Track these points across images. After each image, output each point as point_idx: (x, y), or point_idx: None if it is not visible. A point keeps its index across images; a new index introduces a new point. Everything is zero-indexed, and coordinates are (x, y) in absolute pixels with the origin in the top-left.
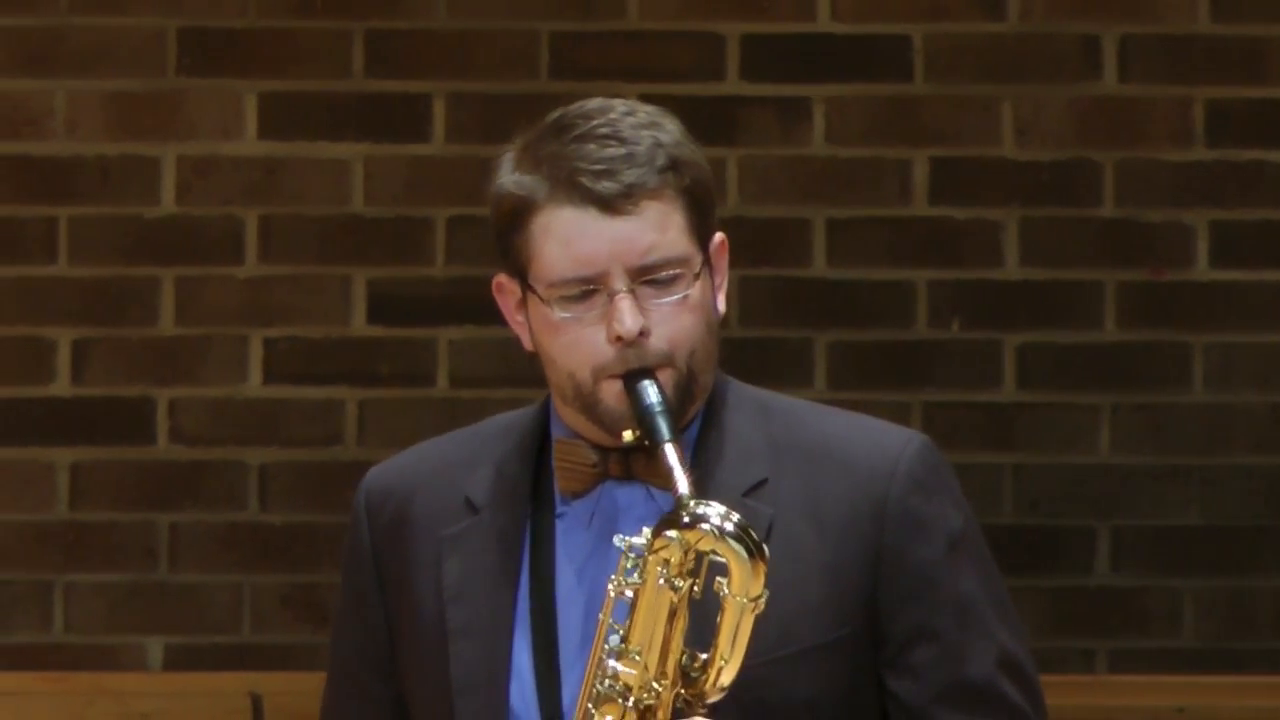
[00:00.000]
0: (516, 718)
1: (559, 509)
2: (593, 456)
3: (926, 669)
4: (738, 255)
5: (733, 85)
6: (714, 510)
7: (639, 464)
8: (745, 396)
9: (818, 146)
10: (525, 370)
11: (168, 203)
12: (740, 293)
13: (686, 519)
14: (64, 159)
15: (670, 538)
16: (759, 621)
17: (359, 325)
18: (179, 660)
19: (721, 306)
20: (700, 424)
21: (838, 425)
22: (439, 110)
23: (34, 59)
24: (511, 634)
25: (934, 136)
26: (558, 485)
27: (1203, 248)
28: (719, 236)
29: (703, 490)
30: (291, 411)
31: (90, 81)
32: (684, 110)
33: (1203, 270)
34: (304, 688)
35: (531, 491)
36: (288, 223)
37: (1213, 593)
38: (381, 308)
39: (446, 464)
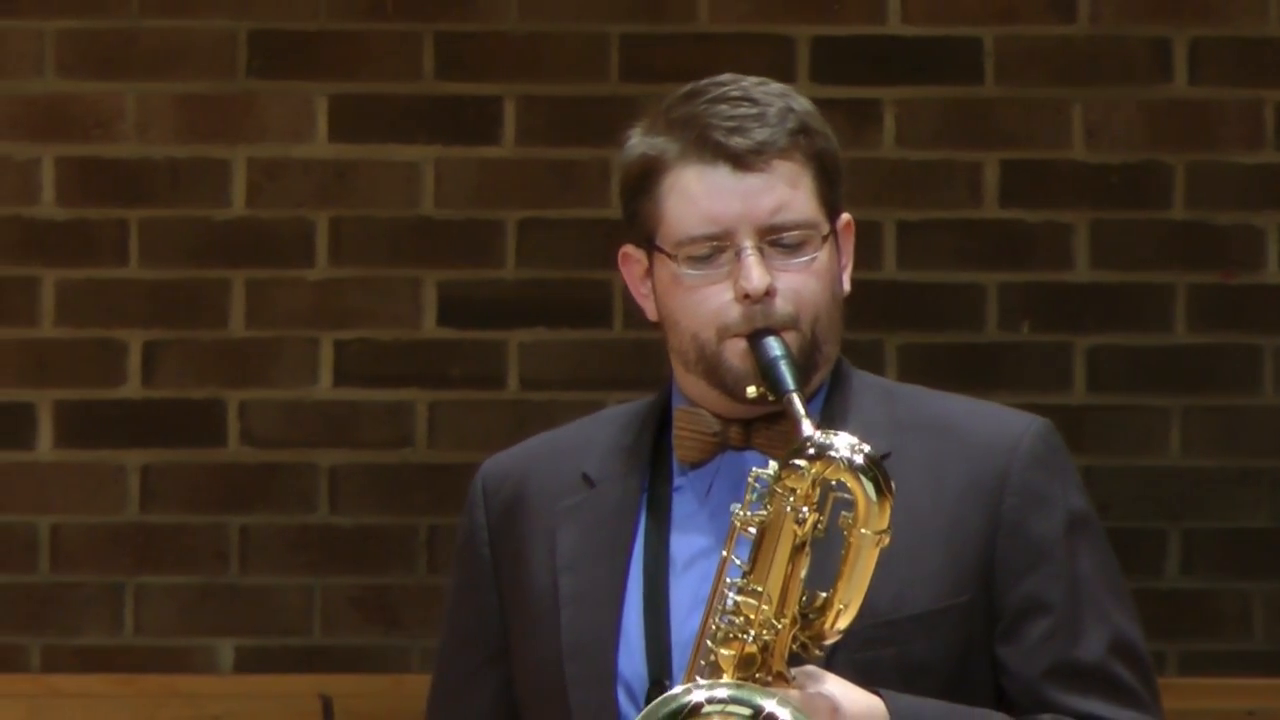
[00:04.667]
0: (625, 682)
1: (676, 481)
2: (714, 425)
3: (1038, 642)
4: None
5: (803, 87)
6: (843, 440)
7: (760, 434)
8: (869, 381)
9: (888, 149)
10: (595, 373)
11: (238, 205)
12: None
13: (814, 450)
14: (134, 161)
15: (797, 466)
16: (876, 584)
17: (429, 327)
18: (249, 662)
19: (846, 285)
20: (824, 400)
21: (962, 405)
22: (509, 113)
23: (105, 61)
24: (621, 601)
25: (1004, 139)
26: (676, 455)
27: (1273, 250)
28: (846, 216)
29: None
30: (362, 414)
31: (161, 84)
32: None
33: (1273, 272)
34: (374, 689)
35: (650, 464)
36: (358, 225)
37: None
38: (452, 310)
39: (564, 447)
